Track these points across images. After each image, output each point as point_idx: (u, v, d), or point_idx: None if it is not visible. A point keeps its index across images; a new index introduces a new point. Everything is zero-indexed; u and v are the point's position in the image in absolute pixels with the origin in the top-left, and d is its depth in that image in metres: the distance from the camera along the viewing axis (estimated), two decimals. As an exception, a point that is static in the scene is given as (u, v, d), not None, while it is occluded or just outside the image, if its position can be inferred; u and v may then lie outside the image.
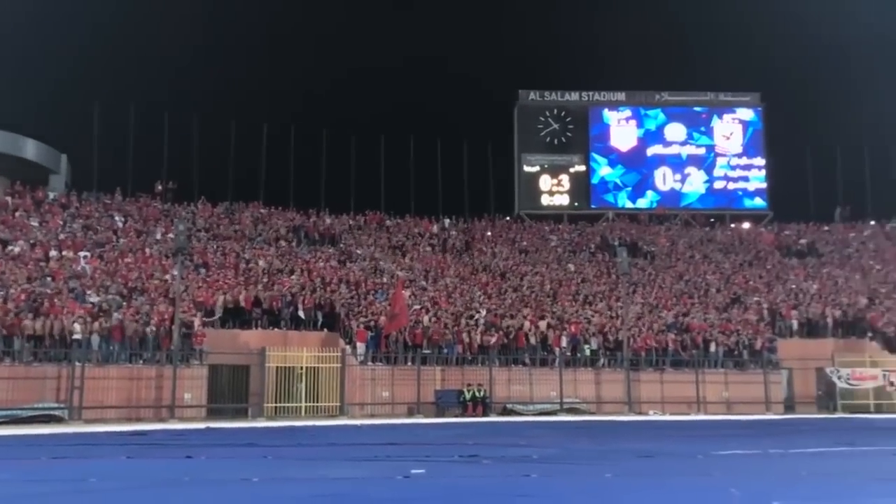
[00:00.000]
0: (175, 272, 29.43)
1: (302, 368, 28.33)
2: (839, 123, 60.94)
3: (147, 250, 34.02)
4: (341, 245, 40.04)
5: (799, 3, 64.98)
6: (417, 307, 33.00)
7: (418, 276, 37.30)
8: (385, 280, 35.53)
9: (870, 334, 34.93)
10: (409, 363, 30.04)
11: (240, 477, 10.52)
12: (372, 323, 30.88)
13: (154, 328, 27.69)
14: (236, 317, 30.37)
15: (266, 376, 28.00)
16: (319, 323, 31.17)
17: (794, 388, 33.35)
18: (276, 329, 30.36)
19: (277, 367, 28.24)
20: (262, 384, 27.99)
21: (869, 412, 30.94)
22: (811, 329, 35.43)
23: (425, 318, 32.00)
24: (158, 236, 35.96)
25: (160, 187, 42.22)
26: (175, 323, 27.06)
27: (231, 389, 28.43)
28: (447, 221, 46.23)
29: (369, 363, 29.86)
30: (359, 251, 39.41)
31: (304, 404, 28.19)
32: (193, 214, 39.48)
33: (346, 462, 13.12)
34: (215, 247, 36.11)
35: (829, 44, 63.40)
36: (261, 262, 35.08)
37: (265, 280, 33.03)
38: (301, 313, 30.97)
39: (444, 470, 11.71)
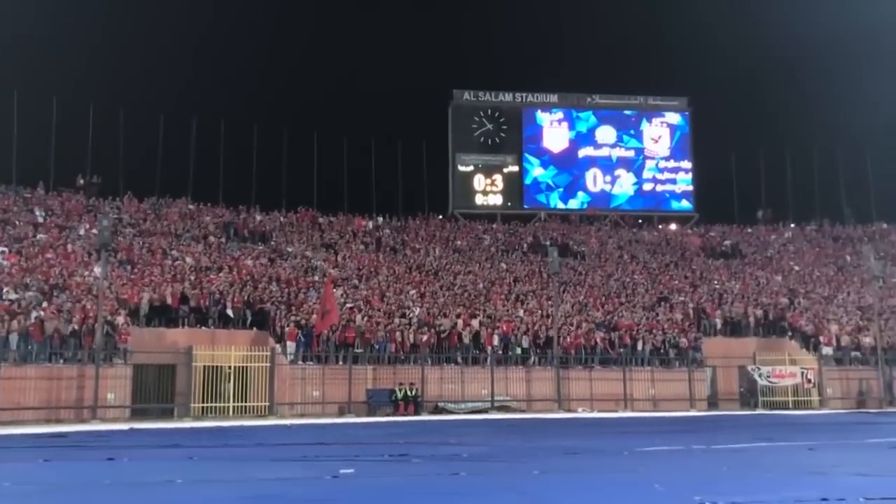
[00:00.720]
0: (99, 269, 28.55)
1: (230, 368, 27.81)
2: (762, 128, 63.02)
3: (69, 246, 32.92)
4: (272, 243, 39.48)
5: (726, 11, 66.90)
6: (349, 306, 32.76)
7: (351, 275, 37.04)
8: (317, 278, 35.18)
9: (789, 333, 36.15)
10: (341, 362, 29.80)
11: (163, 479, 10.27)
12: (303, 322, 30.53)
13: (76, 326, 26.81)
14: (162, 315, 29.65)
15: (193, 376, 27.39)
16: (248, 321, 30.66)
17: (717, 385, 34.27)
18: (203, 327, 29.74)
19: (205, 367, 27.65)
20: (189, 384, 27.37)
21: (788, 409, 31.99)
22: (734, 328, 36.47)
23: (357, 317, 31.80)
24: (82, 232, 34.85)
25: (82, 181, 40.95)
26: (98, 321, 26.26)
27: (156, 389, 27.71)
28: (381, 220, 46.08)
29: (300, 362, 29.51)
30: (290, 249, 38.92)
31: (232, 404, 27.68)
32: (119, 210, 38.38)
33: (274, 462, 12.95)
34: (141, 243, 35.18)
35: (754, 51, 65.50)
36: (188, 260, 34.33)
37: (193, 277, 32.34)
38: (230, 311, 30.42)
39: (373, 469, 11.66)
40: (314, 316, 30.45)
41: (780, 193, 52.39)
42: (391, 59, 65.56)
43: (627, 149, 52.33)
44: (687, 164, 52.44)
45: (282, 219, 43.07)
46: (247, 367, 28.08)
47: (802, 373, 32.89)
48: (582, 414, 29.96)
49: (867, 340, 34.93)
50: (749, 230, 49.90)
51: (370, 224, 44.96)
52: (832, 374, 33.82)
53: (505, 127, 51.28)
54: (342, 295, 33.58)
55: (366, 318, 31.92)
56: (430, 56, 66.79)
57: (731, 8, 68.01)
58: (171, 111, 47.28)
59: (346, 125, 57.33)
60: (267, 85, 63.83)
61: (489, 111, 51.44)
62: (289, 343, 29.51)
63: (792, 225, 50.71)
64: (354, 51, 67.95)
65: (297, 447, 15.64)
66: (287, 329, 29.89)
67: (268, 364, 28.24)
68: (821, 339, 35.04)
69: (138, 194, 41.00)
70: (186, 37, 59.56)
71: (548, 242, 43.36)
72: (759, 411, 31.32)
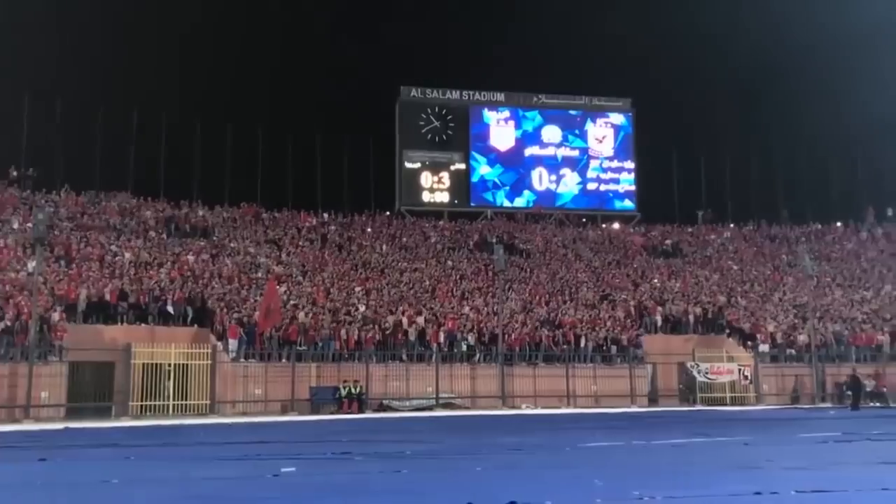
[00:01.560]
0: (33, 264, 27.73)
1: (170, 365, 27.34)
2: (704, 130, 64.36)
3: (2, 240, 31.93)
4: (214, 238, 38.89)
5: (670, 13, 68.06)
6: (293, 303, 32.46)
7: (295, 271, 36.71)
8: (260, 275, 34.78)
9: (727, 331, 37.02)
10: (284, 360, 29.53)
11: (98, 479, 10.01)
12: (245, 319, 30.13)
13: (9, 323, 26.01)
14: (100, 311, 28.97)
15: (132, 373, 26.86)
16: (189, 318, 30.19)
17: (657, 381, 34.92)
18: (142, 324, 29.21)
19: (144, 364, 27.16)
20: (128, 382, 26.84)
21: (725, 405, 32.77)
22: (674, 325, 37.21)
23: (301, 314, 31.52)
24: (16, 226, 33.84)
25: (16, 174, 39.72)
26: (32, 317, 25.50)
27: (93, 388, 27.12)
28: (326, 216, 45.76)
29: (242, 360, 29.15)
30: (233, 244, 38.40)
31: (172, 402, 27.21)
32: (55, 203, 37.36)
33: (214, 462, 12.73)
34: (79, 238, 34.30)
35: (696, 53, 66.81)
36: (127, 255, 33.62)
37: (132, 273, 31.66)
38: (170, 308, 29.90)
39: (315, 468, 11.56)
40: (257, 313, 30.07)
41: (720, 194, 53.69)
42: (338, 54, 65.12)
43: (572, 148, 52.89)
44: (630, 165, 53.24)
45: (225, 214, 42.47)
46: (187, 364, 27.64)
47: (739, 370, 33.72)
48: (526, 410, 30.22)
49: (801, 338, 35.97)
50: (689, 230, 50.93)
51: (315, 220, 44.61)
52: (768, 370, 34.75)
53: (452, 125, 51.35)
54: (286, 292, 33.26)
55: (310, 316, 31.65)
56: (378, 52, 66.54)
57: (675, 10, 69.24)
58: (111, 103, 46.38)
59: (291, 120, 56.78)
60: (211, 79, 62.80)
61: (436, 108, 51.45)
62: (231, 340, 29.11)
63: (731, 225, 51.90)
64: (301, 45, 67.21)
65: (238, 446, 15.42)
66: (229, 326, 29.45)
67: (209, 362, 27.85)
68: (757, 336, 35.95)
69: (76, 187, 40.01)
70: (124, 28, 58.25)
71: (494, 240, 43.59)
72: (697, 407, 32.01)
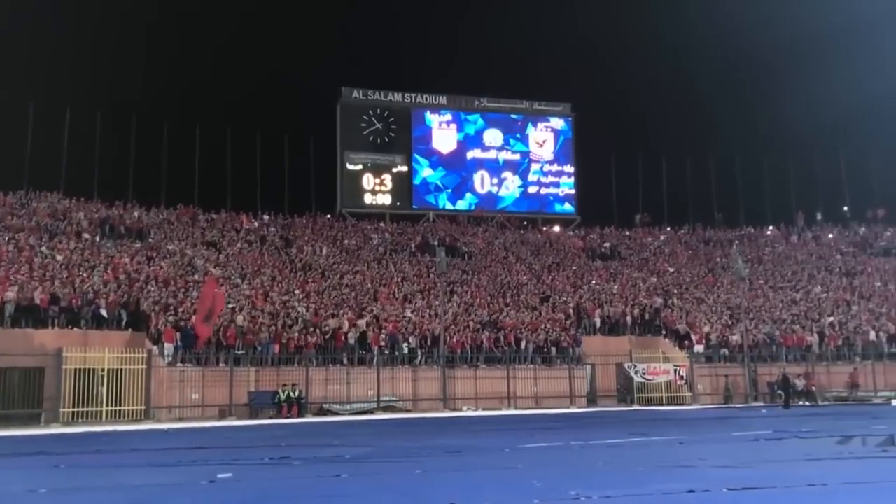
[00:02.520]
0: (-43, 266, 26.71)
1: (103, 370, 26.62)
2: (641, 136, 65.67)
3: (-76, 242, 30.66)
4: (150, 240, 38.04)
5: (609, 21, 69.25)
6: (231, 306, 31.94)
7: (234, 274, 36.15)
8: (198, 277, 34.13)
9: (664, 332, 37.74)
10: (222, 364, 29.03)
11: (24, 489, 9.70)
12: (181, 322, 29.53)
13: (-70, 328, 25.01)
14: (30, 315, 28.04)
15: (63, 379, 26.06)
16: (124, 322, 29.43)
17: (596, 382, 35.36)
18: (75, 328, 28.34)
19: (76, 370, 26.38)
20: (59, 387, 26.04)
21: (661, 405, 33.39)
22: (612, 327, 37.75)
23: (240, 318, 31.04)
24: (-62, 226, 32.52)
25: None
26: (-44, 322, 24.56)
27: (22, 394, 26.21)
28: (266, 218, 45.20)
29: (178, 364, 28.51)
30: (169, 247, 37.61)
31: (105, 408, 26.50)
32: (-19, 204, 36.06)
33: (147, 468, 12.48)
34: (7, 239, 33.17)
35: (634, 60, 68.14)
36: (59, 257, 32.63)
37: (64, 276, 30.75)
38: (104, 312, 29.09)
39: (252, 473, 11.41)
40: (194, 317, 29.48)
41: (657, 198, 54.73)
42: (280, 54, 64.42)
43: (514, 152, 53.32)
44: (570, 169, 53.92)
45: (161, 215, 41.59)
46: (122, 369, 26.97)
47: (675, 370, 34.38)
48: (467, 412, 30.30)
49: (734, 339, 36.88)
50: (627, 233, 51.79)
51: (255, 222, 44.04)
52: (702, 371, 35.53)
53: (394, 127, 51.26)
54: (226, 292, 32.70)
55: (248, 319, 31.20)
56: (320, 53, 66.02)
57: (614, 18, 70.50)
58: (43, 100, 44.90)
59: (230, 120, 55.96)
60: (147, 76, 61.49)
61: (378, 110, 51.29)
62: (167, 345, 28.46)
63: (667, 228, 52.95)
64: (240, 43, 66.36)
65: (173, 452, 15.12)
66: (165, 330, 28.82)
67: (144, 366, 27.22)
68: (692, 337, 36.73)
69: (3, 188, 38.65)
70: (58, 24, 56.62)
71: (436, 243, 43.66)
72: (634, 407, 32.54)
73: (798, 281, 44.92)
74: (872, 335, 37.73)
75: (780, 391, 32.53)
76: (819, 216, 54.69)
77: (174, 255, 36.48)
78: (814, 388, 34.17)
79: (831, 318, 39.50)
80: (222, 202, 45.35)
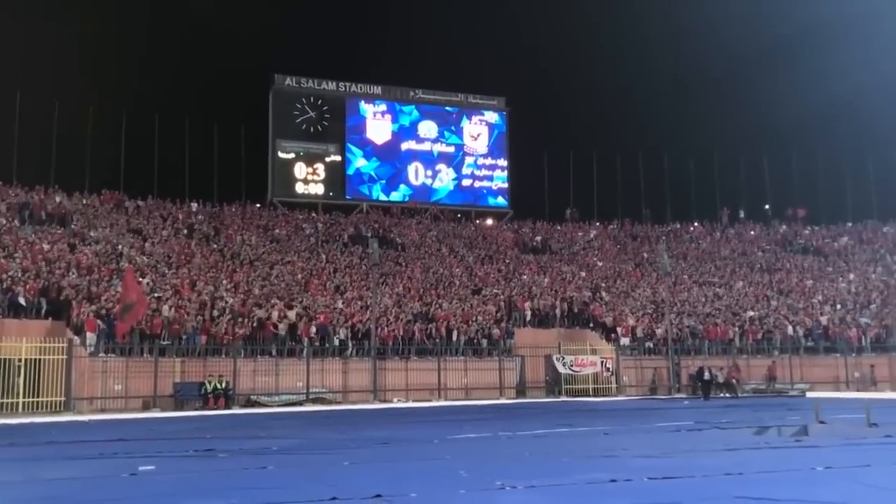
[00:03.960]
0: None
1: (20, 360, 25.65)
2: (573, 131, 66.61)
3: None
4: (73, 226, 36.84)
5: (544, 16, 69.93)
6: (157, 295, 31.22)
7: (160, 262, 35.31)
8: (122, 266, 33.21)
9: (591, 325, 38.43)
10: (147, 355, 28.38)
11: (-69, 484, 9.29)
12: (104, 312, 28.71)
13: None
14: (-59, 303, 26.88)
15: (-24, 370, 25.04)
16: (44, 311, 28.43)
17: (525, 374, 35.77)
18: (-10, 317, 27.25)
19: (-9, 360, 25.36)
20: (-29, 379, 25.00)
21: (588, 396, 33.98)
22: (542, 319, 38.26)
23: (165, 308, 30.35)
24: None
25: None
26: None
27: (-68, 385, 25.10)
28: (194, 205, 44.27)
29: (101, 354, 27.74)
30: (93, 234, 36.51)
31: (22, 400, 25.56)
32: None
33: (66, 461, 12.10)
34: (-83, 223, 31.71)
35: (567, 55, 68.99)
36: (-26, 243, 31.33)
37: (-21, 262, 29.55)
38: (22, 300, 28.05)
39: (175, 466, 11.19)
40: (118, 306, 28.68)
41: (587, 193, 55.64)
42: (210, 38, 62.99)
43: (448, 144, 53.41)
44: (503, 163, 54.30)
45: (84, 201, 40.33)
46: (41, 359, 26.03)
47: (602, 362, 35.03)
48: (397, 404, 30.32)
49: (659, 332, 37.79)
50: (558, 227, 52.49)
51: (182, 210, 43.09)
52: (628, 363, 36.31)
53: (328, 115, 50.76)
54: (148, 284, 31.95)
55: (174, 309, 30.54)
56: (252, 38, 64.86)
57: (550, 15, 71.23)
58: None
59: (158, 104, 54.51)
60: (71, 58, 59.34)
61: (312, 98, 50.71)
62: (89, 334, 27.66)
63: (597, 223, 53.86)
64: (171, 27, 64.65)
65: (94, 444, 14.71)
66: (87, 319, 27.98)
67: (65, 356, 26.33)
68: (619, 330, 37.50)
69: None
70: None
71: (369, 234, 43.47)
72: (562, 398, 33.04)
73: (721, 276, 46.27)
74: (790, 330, 39.17)
75: (699, 382, 33.47)
76: (742, 214, 56.45)
77: (98, 243, 35.43)
78: (734, 380, 35.28)
79: (751, 313, 40.85)
80: (149, 189, 44.30)
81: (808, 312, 41.31)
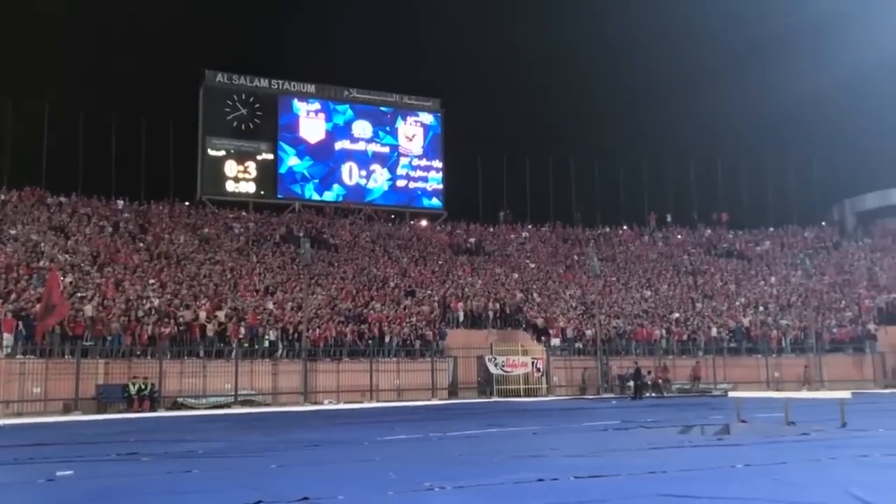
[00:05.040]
0: None
1: (-69, 362, 24.56)
2: (507, 135, 67.21)
3: None
4: (-10, 223, 35.43)
5: (480, 20, 70.35)
6: (80, 295, 30.25)
7: (83, 261, 34.22)
8: (43, 264, 32.09)
9: (523, 326, 38.83)
10: (68, 356, 27.46)
11: None
12: (23, 312, 27.67)
13: None
14: None
15: None
16: (-43, 311, 27.26)
17: (458, 374, 35.93)
18: None
19: None
20: None
21: (519, 396, 34.32)
22: (475, 320, 38.50)
23: (89, 307, 29.43)
24: None
25: None
26: None
27: None
28: (120, 203, 43.07)
29: (19, 356, 26.73)
30: (12, 231, 35.17)
31: (-68, 404, 24.47)
32: None
33: (-23, 468, 11.59)
34: None
35: (505, 59, 69.60)
36: None
37: None
38: (-66, 299, 26.86)
39: (95, 470, 10.86)
40: (38, 306, 27.70)
41: (520, 196, 56.20)
42: (139, 32, 61.41)
43: (383, 145, 53.22)
44: (438, 164, 54.40)
45: (3, 197, 38.84)
46: (-48, 361, 24.95)
47: (532, 362, 35.45)
48: (328, 406, 30.06)
49: (589, 333, 38.41)
50: (491, 229, 52.87)
51: (108, 207, 41.88)
52: (558, 363, 36.81)
53: (260, 113, 50.00)
54: (72, 283, 30.95)
55: (98, 309, 29.64)
56: (182, 33, 63.40)
57: (484, 17, 71.72)
58: None
59: (83, 98, 52.78)
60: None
61: (244, 96, 49.87)
62: (6, 335, 26.62)
63: (529, 226, 54.44)
64: (98, 20, 62.71)
65: (9, 449, 14.14)
66: (4, 319, 26.92)
67: (-21, 358, 25.30)
68: (550, 331, 37.97)
69: None
70: None
71: (301, 233, 42.97)
72: (493, 399, 33.29)
73: (648, 279, 47.31)
74: (714, 331, 40.32)
75: (629, 383, 34.15)
76: (669, 218, 57.83)
77: (17, 240, 34.14)
78: (660, 380, 36.11)
79: (677, 315, 41.89)
80: (73, 185, 42.89)
81: (731, 314, 42.58)
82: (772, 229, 57.09)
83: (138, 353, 28.88)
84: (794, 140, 61.73)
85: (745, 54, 59.97)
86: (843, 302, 44.78)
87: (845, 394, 17.02)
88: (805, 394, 25.13)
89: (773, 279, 48.38)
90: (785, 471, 9.68)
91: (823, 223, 58.94)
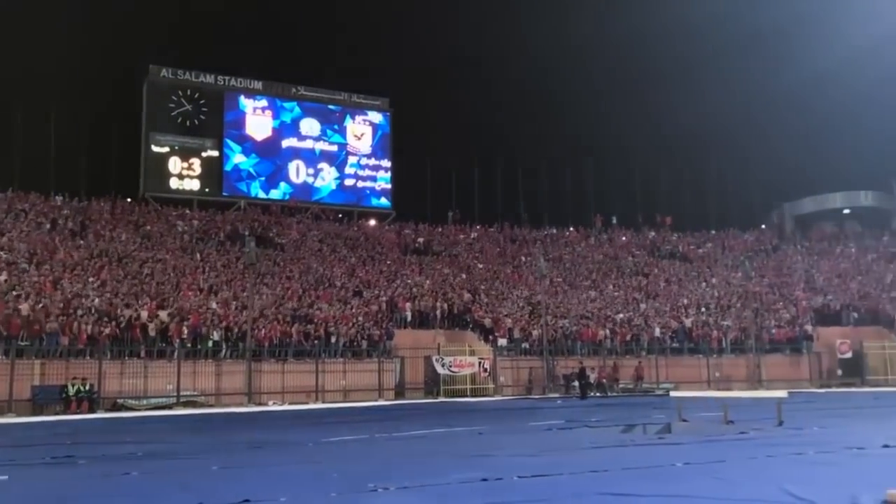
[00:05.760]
0: None
1: None
2: (456, 135, 67.40)
3: None
4: (-80, 218, 34.18)
5: (432, 22, 70.38)
6: (16, 293, 29.36)
7: (20, 258, 33.23)
8: (-24, 261, 31.08)
9: (471, 326, 38.93)
10: (2, 356, 26.63)
11: None
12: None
13: None
14: None
15: None
16: None
17: (405, 375, 35.86)
18: None
19: None
20: None
21: (466, 396, 34.41)
22: (422, 320, 38.47)
23: (25, 306, 28.58)
24: None
25: None
26: None
27: None
28: (59, 199, 41.94)
29: (-51, 356, 25.84)
30: (-57, 226, 34.01)
31: None
32: None
33: None
34: None
35: (454, 60, 69.77)
36: None
37: None
38: None
39: (29, 474, 10.55)
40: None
41: (469, 196, 56.42)
42: (81, 22, 59.86)
43: (331, 143, 52.87)
44: (387, 163, 54.25)
45: (-68, 192, 37.56)
46: None
47: (479, 362, 35.58)
48: (273, 407, 29.71)
49: (535, 333, 38.70)
50: (440, 229, 52.92)
51: (47, 203, 40.73)
52: (505, 363, 36.99)
53: (205, 109, 49.21)
54: (6, 281, 30.03)
55: (35, 308, 28.81)
56: (127, 26, 62.06)
57: (434, 18, 71.79)
58: None
59: (21, 92, 51.32)
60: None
61: (189, 91, 49.03)
62: (-65, 335, 25.71)
63: (477, 226, 54.63)
64: (37, 10, 61.01)
65: (-64, 454, 13.63)
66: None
67: None
68: (497, 331, 38.16)
69: None
70: None
71: (246, 232, 42.40)
72: (440, 399, 33.31)
73: (594, 280, 47.89)
74: (657, 331, 41.00)
75: (574, 382, 34.51)
76: (614, 220, 58.65)
77: (-52, 236, 33.02)
78: (604, 380, 36.58)
79: (621, 315, 42.49)
80: (8, 181, 41.63)
81: (673, 315, 43.35)
82: (713, 232, 58.31)
83: (76, 353, 28.15)
84: (735, 145, 63.26)
85: (689, 63, 61.22)
86: (782, 303, 45.96)
87: (782, 393, 17.48)
88: (743, 393, 25.72)
89: (714, 281, 49.42)
90: (723, 469, 9.88)
91: (763, 226, 60.50)
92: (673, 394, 23.09)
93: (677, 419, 16.94)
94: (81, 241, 37.53)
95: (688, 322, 42.35)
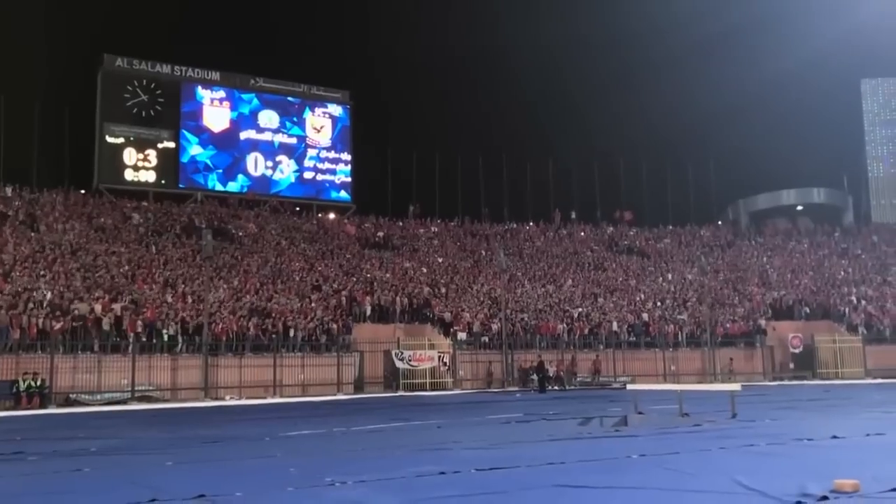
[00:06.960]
0: None
1: None
2: (417, 129, 67.32)
3: None
4: None
5: (395, 16, 70.12)
6: (-36, 286, 28.64)
7: (-32, 251, 32.41)
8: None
9: (430, 320, 38.95)
10: (-51, 351, 25.97)
11: None
12: None
13: None
14: None
15: None
16: None
17: (364, 369, 35.77)
18: None
19: None
20: None
21: (426, 390, 34.46)
22: (382, 314, 38.39)
23: (-27, 299, 27.90)
24: None
25: None
26: None
27: None
28: (9, 190, 40.98)
29: None
30: None
31: None
32: None
33: None
34: None
35: (416, 54, 69.65)
36: None
37: None
38: None
39: (-25, 471, 10.25)
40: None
41: (429, 190, 56.45)
42: (33, 9, 58.47)
43: (290, 135, 52.43)
44: (347, 157, 54.00)
45: None
46: None
47: (439, 356, 35.63)
48: (230, 401, 29.41)
49: (495, 327, 38.88)
50: (400, 223, 52.84)
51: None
52: (464, 357, 37.11)
53: (162, 100, 48.44)
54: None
55: (-16, 301, 28.13)
56: (81, 14, 60.78)
57: (396, 13, 71.59)
58: None
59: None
60: None
61: (145, 81, 48.22)
62: None
63: (438, 220, 54.68)
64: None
65: None
66: None
67: None
68: (456, 326, 38.23)
69: None
70: None
71: (203, 225, 41.86)
72: (399, 393, 33.30)
73: (553, 274, 48.22)
74: (615, 325, 41.45)
75: (534, 376, 34.75)
76: (574, 215, 59.15)
77: None
78: (562, 373, 36.88)
79: (580, 309, 42.86)
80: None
81: (631, 309, 43.85)
82: (671, 227, 59.11)
83: (27, 347, 27.57)
84: (693, 143, 64.17)
85: (649, 63, 61.92)
86: (736, 298, 46.79)
87: (735, 386, 17.78)
88: (698, 386, 26.15)
89: (670, 276, 50.10)
90: (677, 460, 10.01)
91: (719, 222, 61.55)
92: (630, 387, 23.39)
93: (633, 412, 17.13)
94: (32, 234, 36.71)
95: (645, 316, 42.89)
